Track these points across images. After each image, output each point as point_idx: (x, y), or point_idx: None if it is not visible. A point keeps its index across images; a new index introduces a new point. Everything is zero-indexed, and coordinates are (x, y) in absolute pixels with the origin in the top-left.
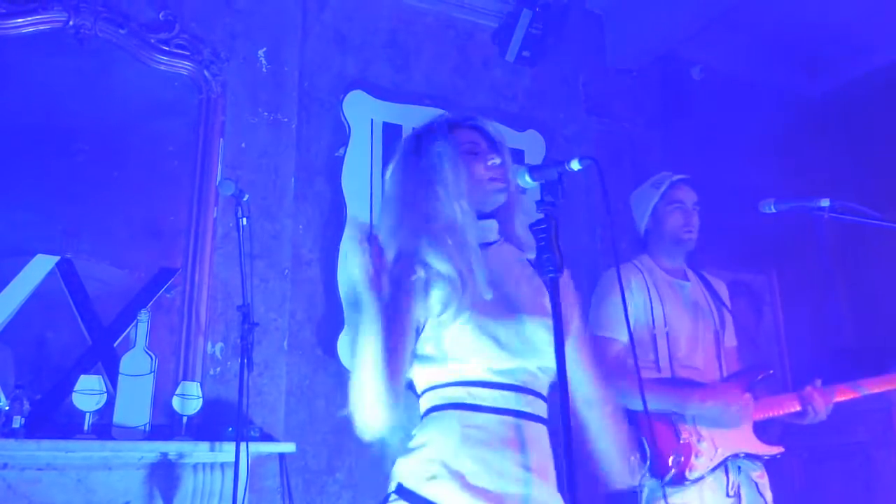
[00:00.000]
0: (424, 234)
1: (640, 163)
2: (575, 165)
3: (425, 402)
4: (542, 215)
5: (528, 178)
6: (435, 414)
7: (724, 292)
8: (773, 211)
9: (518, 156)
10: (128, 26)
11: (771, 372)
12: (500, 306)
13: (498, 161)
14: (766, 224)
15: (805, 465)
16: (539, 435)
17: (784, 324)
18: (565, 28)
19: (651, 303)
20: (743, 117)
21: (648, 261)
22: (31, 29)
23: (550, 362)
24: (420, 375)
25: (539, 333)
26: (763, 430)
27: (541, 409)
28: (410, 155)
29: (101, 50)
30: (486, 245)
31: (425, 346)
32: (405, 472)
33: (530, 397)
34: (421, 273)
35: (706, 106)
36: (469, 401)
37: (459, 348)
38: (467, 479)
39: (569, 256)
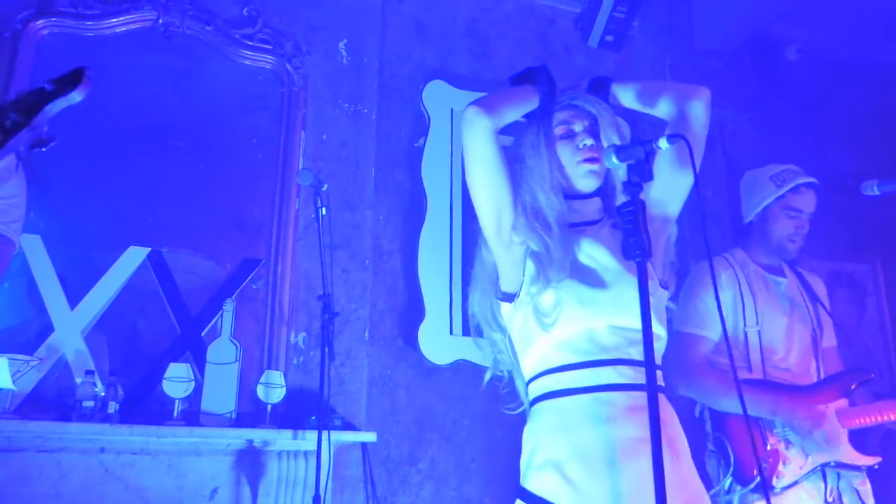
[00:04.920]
0: (519, 210)
1: (732, 149)
2: (663, 144)
3: (529, 394)
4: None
5: (614, 159)
6: (533, 408)
7: (822, 291)
8: (877, 193)
9: None
10: (213, 23)
11: (871, 376)
12: (588, 279)
13: (590, 143)
14: (868, 209)
15: None
16: (635, 403)
17: (890, 317)
18: (650, 10)
19: (742, 299)
20: (842, 98)
21: (742, 254)
22: (123, 28)
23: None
24: (524, 360)
25: (629, 293)
26: (861, 437)
27: (636, 376)
28: (517, 140)
29: (189, 47)
30: (588, 224)
31: (522, 320)
32: (523, 470)
33: (622, 368)
34: (516, 238)
35: (802, 88)
36: (556, 387)
37: (552, 313)
38: (563, 468)
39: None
